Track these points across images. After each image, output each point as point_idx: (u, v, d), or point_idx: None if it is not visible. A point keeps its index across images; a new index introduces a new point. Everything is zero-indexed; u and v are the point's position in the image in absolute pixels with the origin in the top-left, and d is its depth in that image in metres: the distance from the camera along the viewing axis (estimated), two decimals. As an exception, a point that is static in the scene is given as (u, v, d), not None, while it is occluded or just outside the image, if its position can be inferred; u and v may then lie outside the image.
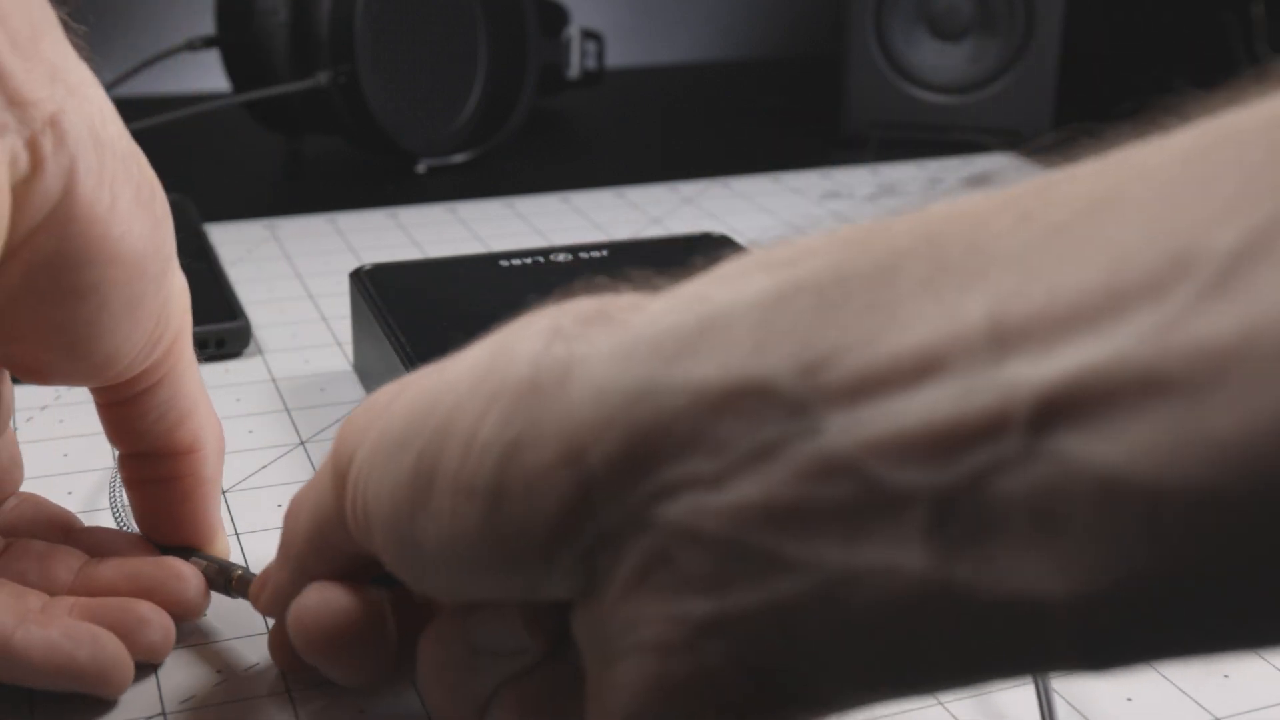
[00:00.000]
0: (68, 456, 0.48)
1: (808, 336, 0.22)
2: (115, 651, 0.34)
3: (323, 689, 0.35)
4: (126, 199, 0.32)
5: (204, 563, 0.38)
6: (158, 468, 0.38)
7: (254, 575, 0.36)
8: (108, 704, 0.35)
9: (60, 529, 0.39)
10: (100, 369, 0.35)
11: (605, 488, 0.24)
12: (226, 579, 0.38)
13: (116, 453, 0.39)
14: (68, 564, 0.37)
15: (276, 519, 0.44)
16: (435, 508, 0.26)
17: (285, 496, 0.45)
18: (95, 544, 0.39)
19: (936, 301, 0.21)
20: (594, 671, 0.26)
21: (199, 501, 0.39)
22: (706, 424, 0.22)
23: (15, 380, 0.52)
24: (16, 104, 0.30)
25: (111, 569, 0.37)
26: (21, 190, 0.30)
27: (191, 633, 0.38)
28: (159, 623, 0.36)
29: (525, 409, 0.24)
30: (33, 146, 0.30)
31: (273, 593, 0.33)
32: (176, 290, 0.36)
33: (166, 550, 0.39)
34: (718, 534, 0.22)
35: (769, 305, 0.23)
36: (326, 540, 0.31)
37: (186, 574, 0.37)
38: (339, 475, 0.30)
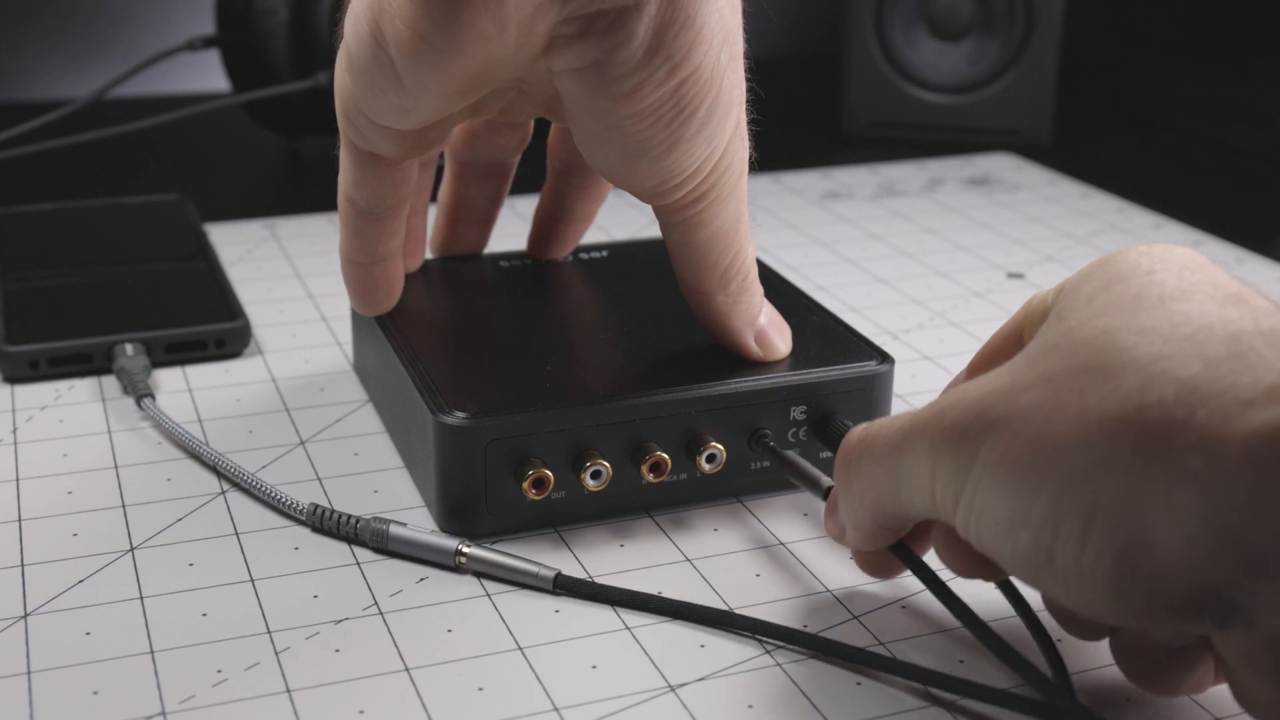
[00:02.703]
0: (68, 456, 0.48)
1: None
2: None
3: (323, 687, 0.36)
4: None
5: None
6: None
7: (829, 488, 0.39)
8: (108, 704, 0.35)
9: None
10: (662, 174, 0.39)
11: (1238, 593, 0.26)
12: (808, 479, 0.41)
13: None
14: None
15: (276, 520, 0.44)
16: (1059, 578, 0.28)
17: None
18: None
19: None
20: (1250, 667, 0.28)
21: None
22: None
23: (19, 380, 0.52)
24: None
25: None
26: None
27: (192, 632, 0.38)
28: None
29: (1132, 512, 0.27)
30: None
31: (840, 532, 0.37)
32: (740, 137, 0.40)
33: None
34: None
35: None
36: (899, 504, 0.33)
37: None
38: (947, 467, 0.31)
